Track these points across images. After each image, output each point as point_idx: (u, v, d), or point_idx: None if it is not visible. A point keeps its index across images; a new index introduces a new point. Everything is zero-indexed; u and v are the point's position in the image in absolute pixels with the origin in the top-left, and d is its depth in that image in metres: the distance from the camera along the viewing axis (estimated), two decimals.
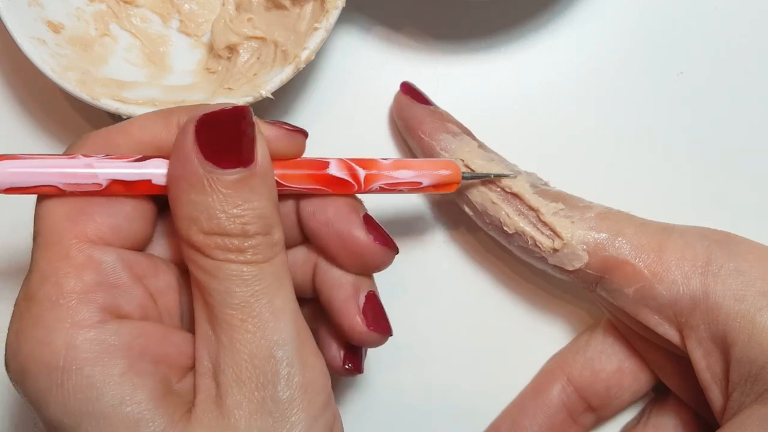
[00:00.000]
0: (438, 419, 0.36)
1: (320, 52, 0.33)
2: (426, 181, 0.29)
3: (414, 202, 0.37)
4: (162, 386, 0.24)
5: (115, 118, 0.33)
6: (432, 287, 0.37)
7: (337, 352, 0.30)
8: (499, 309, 0.37)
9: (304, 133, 0.27)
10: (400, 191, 0.29)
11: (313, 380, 0.25)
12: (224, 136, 0.24)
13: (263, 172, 0.24)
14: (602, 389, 0.33)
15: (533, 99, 0.38)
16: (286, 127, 0.27)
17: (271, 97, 0.32)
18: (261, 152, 0.24)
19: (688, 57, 0.38)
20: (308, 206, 0.28)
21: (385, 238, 0.28)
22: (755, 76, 0.38)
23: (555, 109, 0.38)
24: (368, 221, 0.28)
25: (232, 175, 0.24)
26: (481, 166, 0.33)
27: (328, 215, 0.28)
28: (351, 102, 0.38)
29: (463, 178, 0.30)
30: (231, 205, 0.24)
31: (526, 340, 0.36)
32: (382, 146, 0.37)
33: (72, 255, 0.24)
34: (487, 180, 0.32)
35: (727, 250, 0.29)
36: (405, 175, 0.29)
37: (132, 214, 0.26)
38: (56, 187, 0.24)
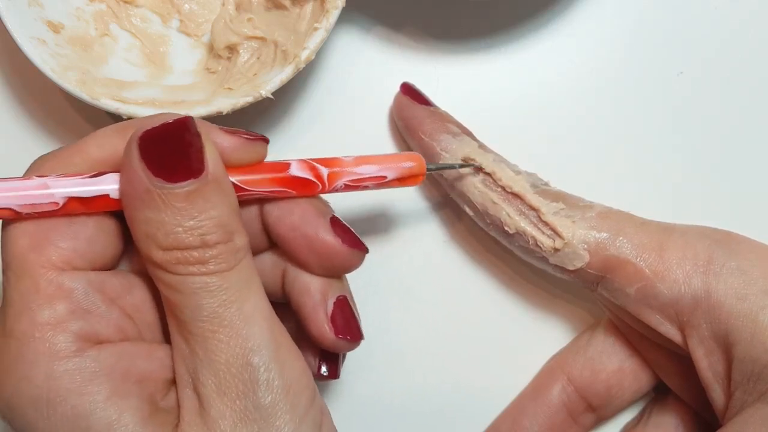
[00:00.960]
0: (438, 419, 0.36)
1: (320, 52, 0.33)
2: (390, 175, 0.29)
3: (414, 203, 0.37)
4: (148, 405, 0.24)
5: (115, 118, 0.33)
6: (432, 287, 0.37)
7: (312, 358, 0.30)
8: (499, 309, 0.37)
9: (265, 140, 0.27)
10: (366, 188, 0.29)
11: (294, 381, 0.24)
12: (170, 150, 0.23)
13: (216, 179, 0.24)
14: (603, 389, 0.33)
15: (533, 99, 0.38)
16: (245, 136, 0.26)
17: (271, 97, 0.32)
18: (211, 160, 0.24)
19: (688, 57, 0.38)
20: (273, 211, 0.28)
21: (353, 240, 0.28)
22: (755, 76, 0.38)
23: (555, 109, 0.38)
24: (335, 223, 0.28)
25: (184, 187, 0.23)
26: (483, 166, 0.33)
27: (294, 219, 0.28)
28: (351, 102, 0.38)
29: (428, 169, 0.30)
30: (187, 217, 0.23)
31: (527, 340, 0.36)
32: (382, 146, 0.37)
33: (42, 286, 0.24)
34: (488, 179, 0.32)
35: (729, 249, 0.29)
36: (369, 170, 0.28)
37: (95, 235, 0.25)
38: (11, 209, 0.24)
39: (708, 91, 0.38)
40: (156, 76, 0.36)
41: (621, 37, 0.38)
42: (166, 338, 0.27)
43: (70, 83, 0.32)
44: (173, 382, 0.25)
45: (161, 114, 0.25)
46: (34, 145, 0.37)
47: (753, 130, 0.38)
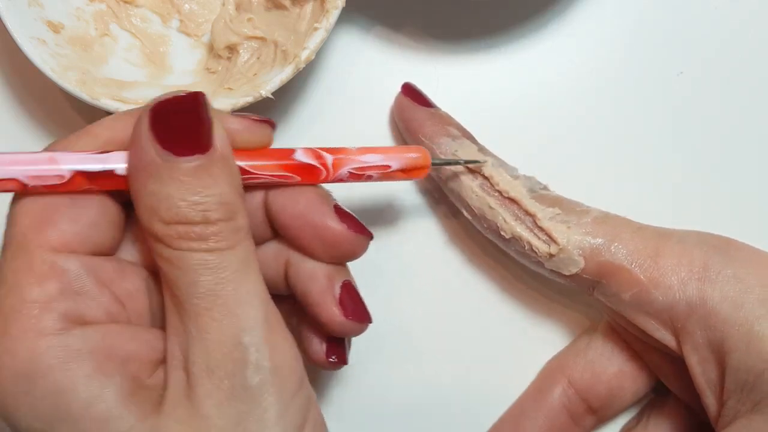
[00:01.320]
0: (439, 423, 0.36)
1: (320, 52, 0.33)
2: (395, 165, 0.29)
3: (414, 206, 0.37)
4: (131, 383, 0.24)
5: None
6: (431, 290, 0.37)
7: (319, 346, 0.30)
8: (497, 312, 0.37)
9: (272, 124, 0.27)
10: (370, 177, 0.29)
11: (283, 364, 0.24)
12: (179, 123, 0.24)
13: (222, 157, 0.24)
14: (603, 391, 0.33)
15: (533, 99, 0.38)
16: (253, 117, 0.27)
17: (271, 97, 0.32)
18: (219, 138, 0.24)
19: (688, 57, 0.38)
20: (278, 200, 0.28)
21: (358, 226, 0.28)
22: (755, 76, 0.38)
23: (555, 109, 0.38)
24: (339, 211, 0.28)
25: (191, 162, 0.23)
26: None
27: (300, 208, 0.28)
28: (351, 102, 0.38)
29: (433, 163, 0.30)
30: (191, 192, 0.23)
31: (525, 343, 0.36)
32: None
33: (36, 264, 0.24)
34: (486, 183, 0.32)
35: (726, 256, 0.29)
36: (373, 158, 0.29)
37: (98, 220, 0.25)
38: (19, 180, 0.24)
39: (708, 91, 0.38)
40: (156, 76, 0.36)
41: (621, 37, 0.38)
42: (156, 327, 0.27)
43: (70, 83, 0.32)
44: (160, 362, 0.25)
45: (173, 91, 0.25)
46: (34, 145, 0.37)
47: (753, 130, 0.38)
